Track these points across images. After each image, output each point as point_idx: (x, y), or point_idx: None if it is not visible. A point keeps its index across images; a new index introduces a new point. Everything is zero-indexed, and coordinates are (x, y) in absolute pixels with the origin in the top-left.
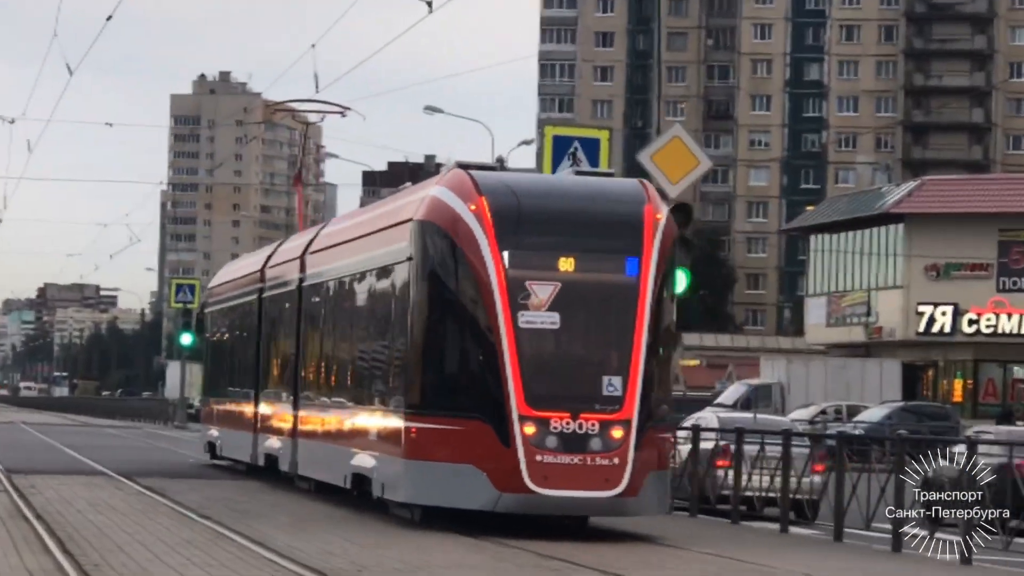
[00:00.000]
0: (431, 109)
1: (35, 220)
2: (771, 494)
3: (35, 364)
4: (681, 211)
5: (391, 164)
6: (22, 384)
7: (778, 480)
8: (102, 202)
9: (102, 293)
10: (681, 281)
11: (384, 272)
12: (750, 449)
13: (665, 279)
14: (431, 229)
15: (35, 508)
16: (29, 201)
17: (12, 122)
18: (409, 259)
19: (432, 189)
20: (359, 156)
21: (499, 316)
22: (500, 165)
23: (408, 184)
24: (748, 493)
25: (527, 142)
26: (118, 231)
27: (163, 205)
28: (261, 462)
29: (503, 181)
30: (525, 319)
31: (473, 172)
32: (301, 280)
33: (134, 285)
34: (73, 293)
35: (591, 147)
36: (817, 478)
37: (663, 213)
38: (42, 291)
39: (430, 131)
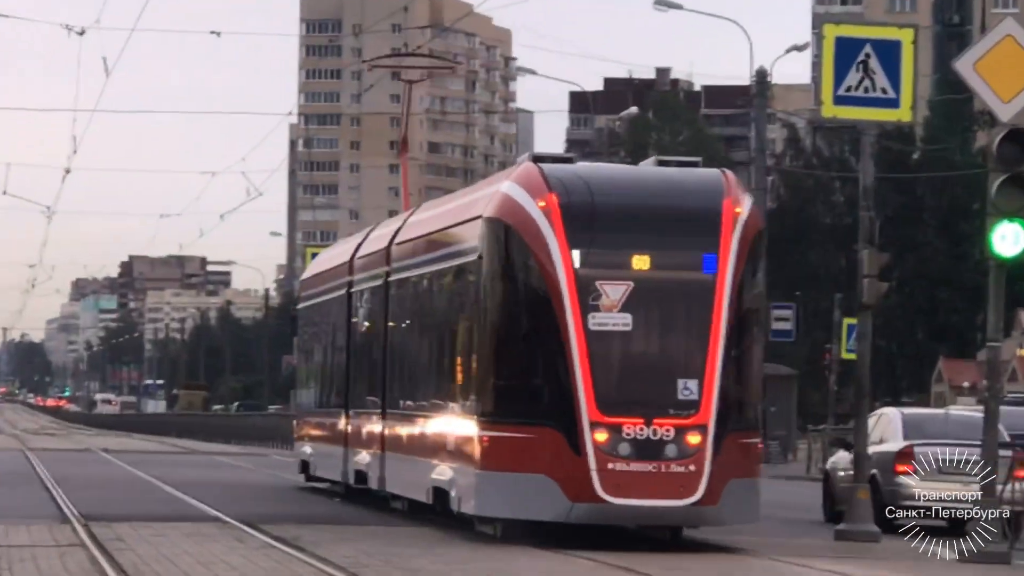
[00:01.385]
0: (663, 4)
1: (115, 169)
2: (962, 506)
3: (118, 368)
4: (1016, 141)
5: (608, 81)
6: (99, 397)
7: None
8: (207, 142)
9: (210, 269)
10: (1018, 240)
11: (456, 272)
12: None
13: (747, 276)
14: (499, 227)
15: (124, 570)
16: (107, 142)
17: (82, 33)
18: (479, 258)
19: (502, 184)
20: (565, 71)
21: (568, 318)
22: (575, 156)
23: None
24: (935, 504)
25: (799, 47)
26: (230, 181)
27: (292, 144)
28: (351, 480)
29: (575, 175)
30: (596, 321)
31: (545, 166)
32: (387, 275)
33: (254, 257)
34: (170, 269)
35: (888, 52)
36: (1020, 486)
37: (745, 205)
38: (127, 267)
39: (663, 34)
